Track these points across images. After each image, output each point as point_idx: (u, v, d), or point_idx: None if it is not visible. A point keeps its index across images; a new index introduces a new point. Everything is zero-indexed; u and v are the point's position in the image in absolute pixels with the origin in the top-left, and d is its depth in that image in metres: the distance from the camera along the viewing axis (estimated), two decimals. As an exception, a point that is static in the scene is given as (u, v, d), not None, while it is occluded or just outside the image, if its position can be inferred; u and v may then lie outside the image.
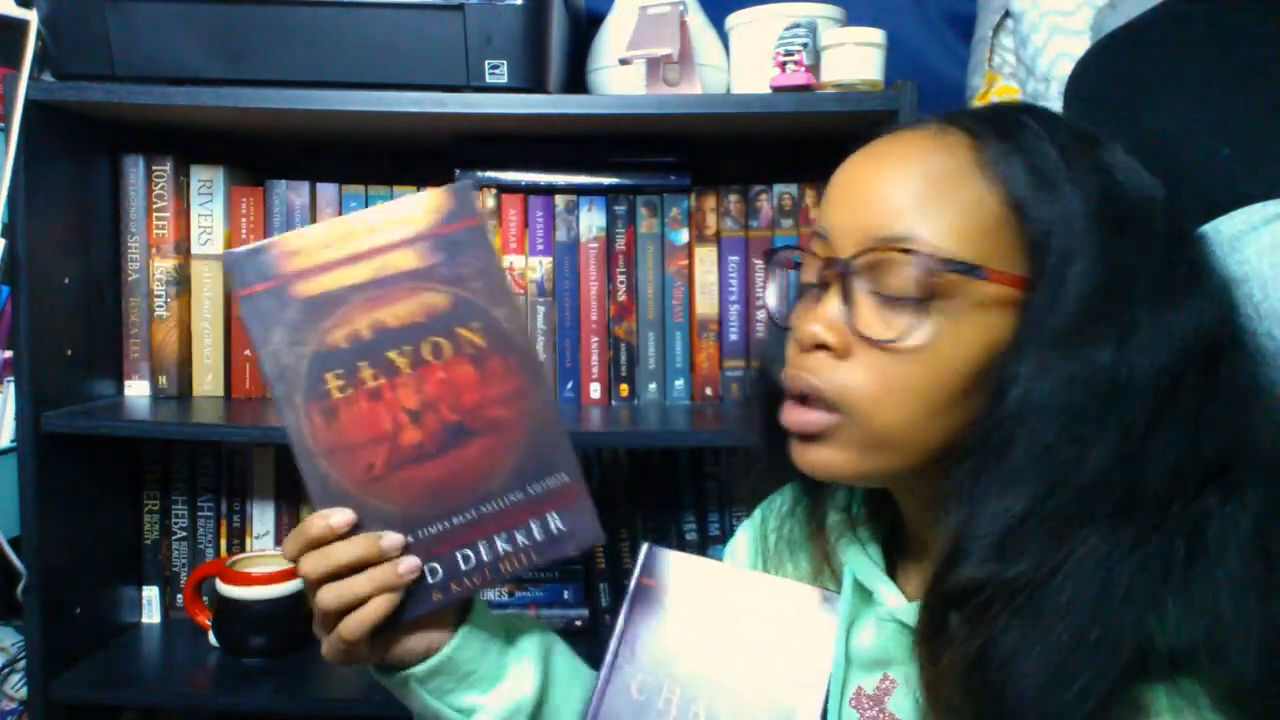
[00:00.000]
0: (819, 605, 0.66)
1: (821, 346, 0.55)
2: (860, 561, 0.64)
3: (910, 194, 0.54)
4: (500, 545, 0.63)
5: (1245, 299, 0.58)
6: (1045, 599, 0.48)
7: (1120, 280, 0.52)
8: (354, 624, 0.60)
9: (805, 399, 0.56)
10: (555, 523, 0.64)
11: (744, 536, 0.77)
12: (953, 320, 0.53)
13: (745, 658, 0.66)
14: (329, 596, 0.60)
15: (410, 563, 0.61)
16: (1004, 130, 0.55)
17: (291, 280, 0.61)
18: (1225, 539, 0.49)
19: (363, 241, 0.62)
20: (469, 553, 0.63)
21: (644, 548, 0.71)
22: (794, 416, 0.57)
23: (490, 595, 1.16)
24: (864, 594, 0.64)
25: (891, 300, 0.54)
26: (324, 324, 0.61)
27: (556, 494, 0.64)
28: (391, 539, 0.61)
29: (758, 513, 0.77)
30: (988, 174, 0.54)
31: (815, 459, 0.57)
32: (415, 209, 0.62)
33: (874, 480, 0.60)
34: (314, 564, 0.60)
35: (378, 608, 0.60)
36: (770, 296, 0.65)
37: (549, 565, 1.17)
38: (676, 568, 0.70)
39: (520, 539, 0.63)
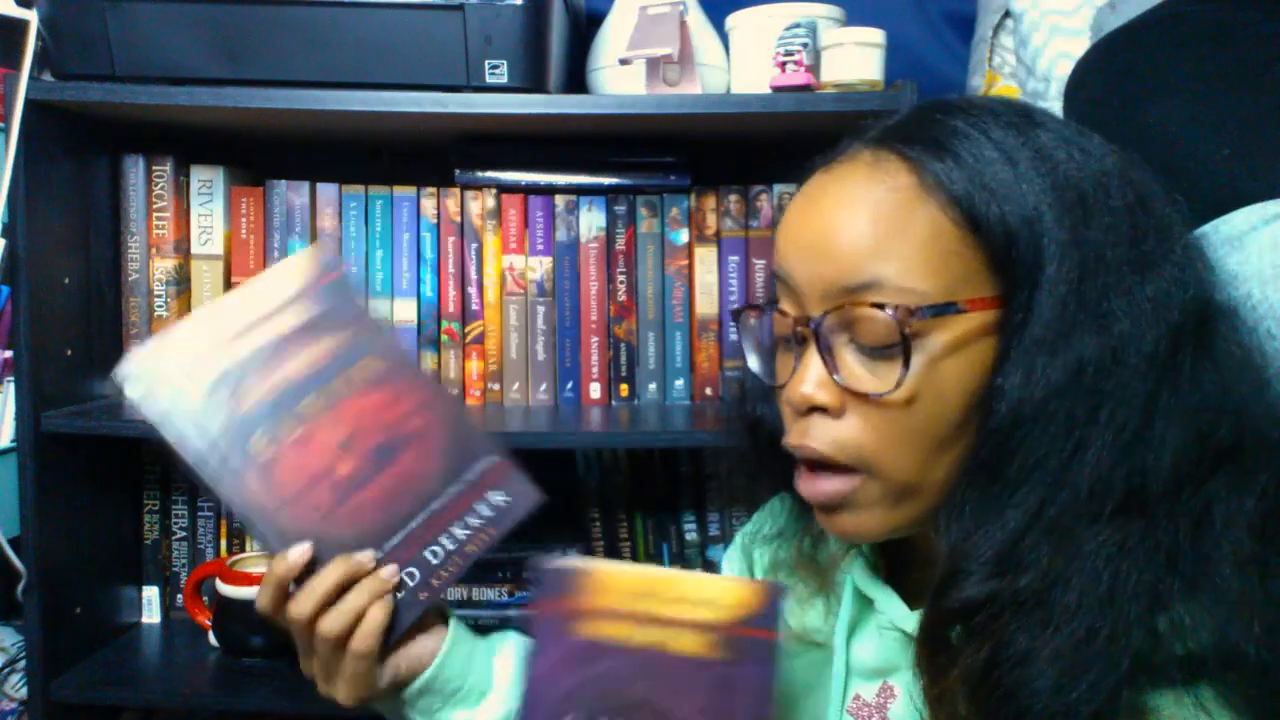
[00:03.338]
0: (775, 599, 0.56)
1: (817, 408, 0.53)
2: (861, 570, 0.63)
3: (864, 238, 0.51)
4: (459, 532, 0.68)
5: (1245, 298, 0.58)
6: (1053, 602, 0.46)
7: (1091, 268, 0.49)
8: (362, 636, 0.62)
9: (817, 466, 0.54)
10: (496, 498, 0.69)
11: (729, 565, 0.76)
12: (937, 357, 0.51)
13: (685, 674, 0.56)
14: (330, 623, 0.62)
15: (390, 568, 0.64)
16: (938, 143, 0.52)
17: (189, 371, 0.64)
18: (1232, 523, 0.47)
19: (247, 313, 0.65)
20: (435, 549, 0.67)
21: (541, 562, 0.59)
22: (816, 489, 0.55)
23: (490, 595, 1.16)
24: (865, 602, 0.63)
25: (873, 350, 0.52)
26: (234, 398, 0.64)
27: (489, 474, 0.69)
28: (364, 554, 0.64)
29: (739, 539, 0.76)
30: (936, 197, 0.51)
31: (845, 526, 0.55)
32: (287, 273, 0.67)
33: (908, 530, 0.56)
34: (301, 603, 0.62)
35: (378, 614, 0.62)
36: (749, 357, 0.62)
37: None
38: (590, 582, 0.58)
39: (473, 521, 0.68)
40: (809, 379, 0.53)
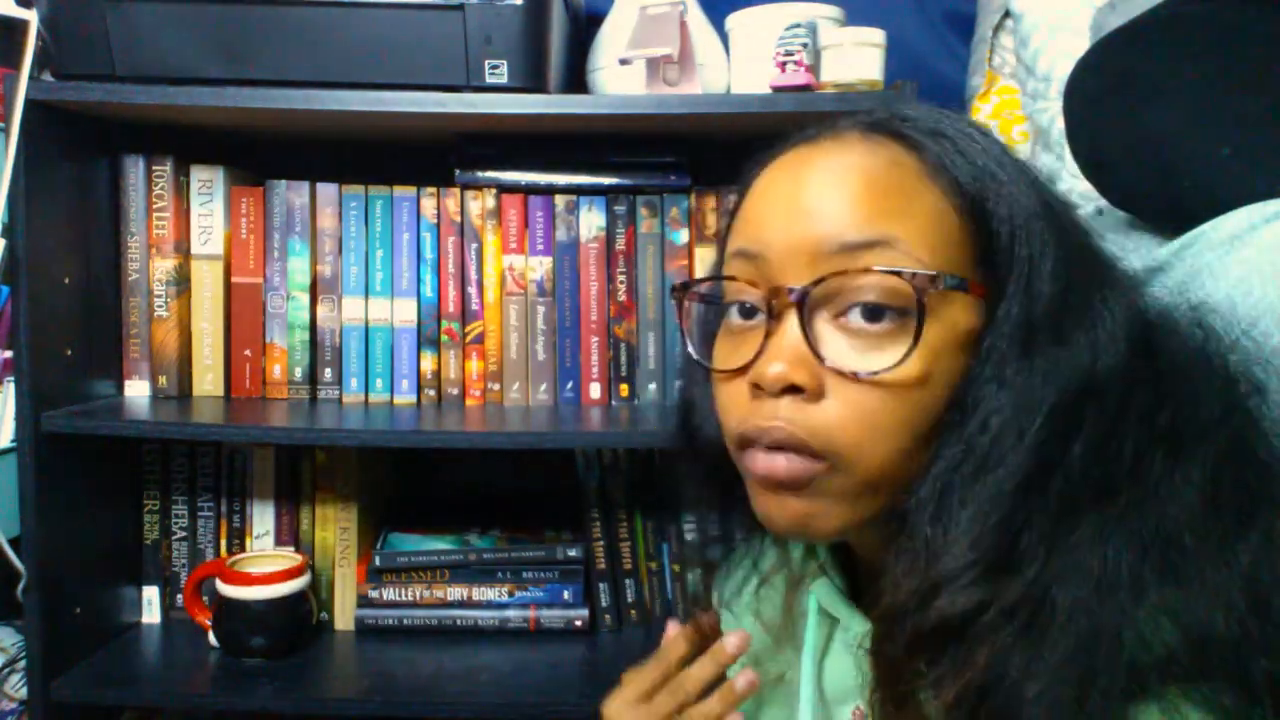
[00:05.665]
0: None
1: (791, 388, 0.48)
2: (825, 589, 0.60)
3: (870, 199, 0.49)
4: None
5: (1244, 296, 0.58)
6: (1046, 609, 0.44)
7: (1076, 274, 0.49)
8: None
9: (780, 449, 0.49)
10: None
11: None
12: (931, 341, 0.48)
13: None
14: None
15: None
16: (935, 132, 0.52)
17: None
18: (1180, 498, 0.46)
19: None
20: None
21: None
22: (775, 465, 0.49)
23: (491, 595, 1.16)
24: (831, 623, 0.60)
25: (865, 326, 0.48)
26: None
27: None
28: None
29: (715, 596, 0.72)
30: (938, 182, 0.50)
31: (797, 510, 0.50)
32: None
33: (853, 532, 0.53)
34: None
35: None
36: (691, 337, 0.58)
37: (548, 565, 1.17)
38: None
39: None
40: (784, 354, 0.48)
